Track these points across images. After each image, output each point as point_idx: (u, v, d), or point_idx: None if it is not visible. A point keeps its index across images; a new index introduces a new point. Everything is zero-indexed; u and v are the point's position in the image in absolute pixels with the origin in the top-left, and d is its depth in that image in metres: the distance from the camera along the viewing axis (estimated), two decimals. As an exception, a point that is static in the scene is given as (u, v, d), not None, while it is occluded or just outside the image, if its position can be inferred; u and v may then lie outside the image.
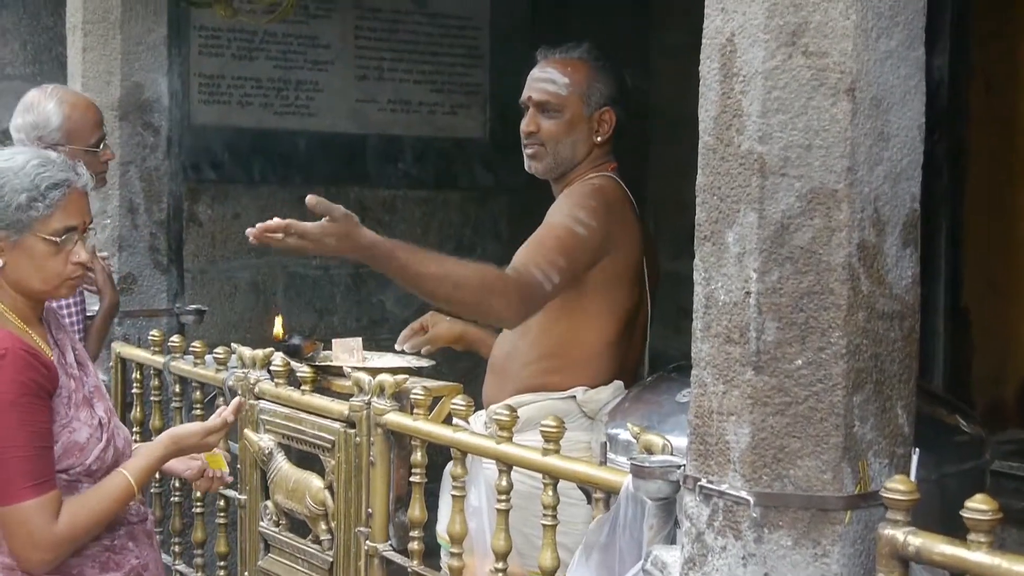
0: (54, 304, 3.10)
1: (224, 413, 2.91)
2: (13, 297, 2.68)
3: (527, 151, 3.41)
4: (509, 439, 2.77)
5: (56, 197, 2.64)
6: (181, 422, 4.16)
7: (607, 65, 3.40)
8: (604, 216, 3.20)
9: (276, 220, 2.90)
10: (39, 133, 3.84)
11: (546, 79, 3.37)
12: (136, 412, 4.38)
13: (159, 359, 4.20)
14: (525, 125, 3.40)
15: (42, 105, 3.90)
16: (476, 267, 3.09)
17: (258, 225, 2.90)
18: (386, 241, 3.02)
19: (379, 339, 4.72)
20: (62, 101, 3.92)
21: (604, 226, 3.19)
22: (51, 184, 2.64)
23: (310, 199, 2.89)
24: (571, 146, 3.36)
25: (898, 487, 1.96)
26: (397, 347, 3.62)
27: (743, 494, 2.12)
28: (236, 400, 3.06)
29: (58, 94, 3.96)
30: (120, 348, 4.49)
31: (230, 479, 3.15)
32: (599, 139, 3.37)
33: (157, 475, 4.23)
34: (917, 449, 2.17)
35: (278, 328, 3.68)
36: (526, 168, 3.44)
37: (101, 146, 3.98)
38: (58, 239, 2.65)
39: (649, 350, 3.51)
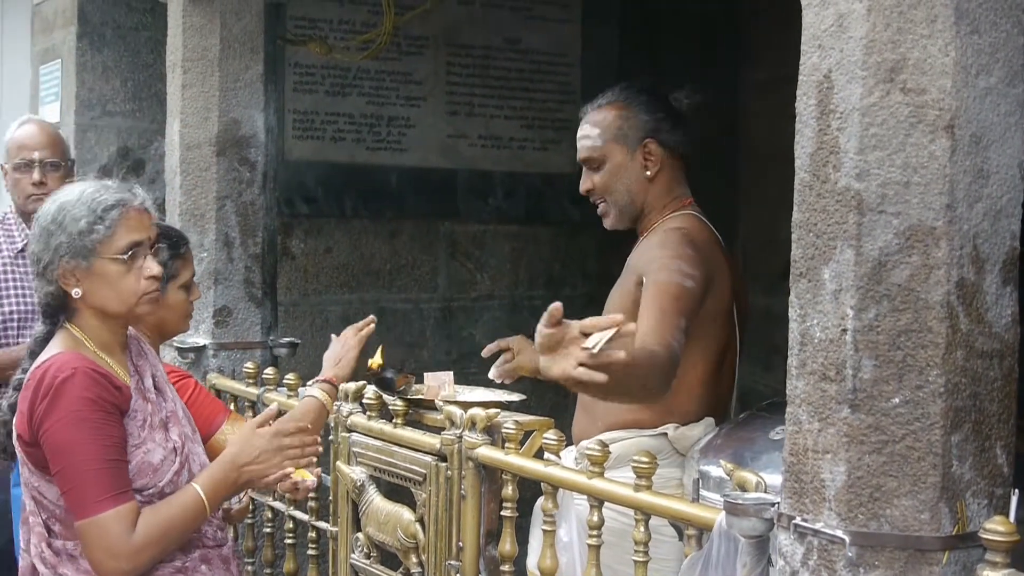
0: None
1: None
2: (92, 326, 2.74)
3: (598, 211, 3.43)
4: (601, 474, 2.77)
5: (115, 217, 2.70)
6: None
7: (643, 99, 3.35)
8: (702, 262, 3.16)
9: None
10: None
11: (583, 136, 3.38)
12: (230, 443, 4.43)
13: (253, 391, 4.26)
14: (582, 185, 3.41)
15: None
16: (649, 360, 2.95)
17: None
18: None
19: (469, 373, 4.75)
20: (20, 123, 4.44)
21: (704, 271, 3.15)
22: (107, 206, 2.70)
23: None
24: (626, 192, 3.34)
25: (997, 528, 1.93)
26: (491, 375, 3.65)
27: (839, 533, 2.10)
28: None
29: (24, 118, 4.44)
30: (215, 380, 4.56)
31: (313, 483, 3.14)
32: (649, 174, 3.32)
33: (251, 504, 4.30)
34: (1016, 490, 2.14)
35: (378, 358, 3.70)
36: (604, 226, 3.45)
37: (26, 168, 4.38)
38: (124, 256, 2.71)
39: (739, 387, 3.48)
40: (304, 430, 2.86)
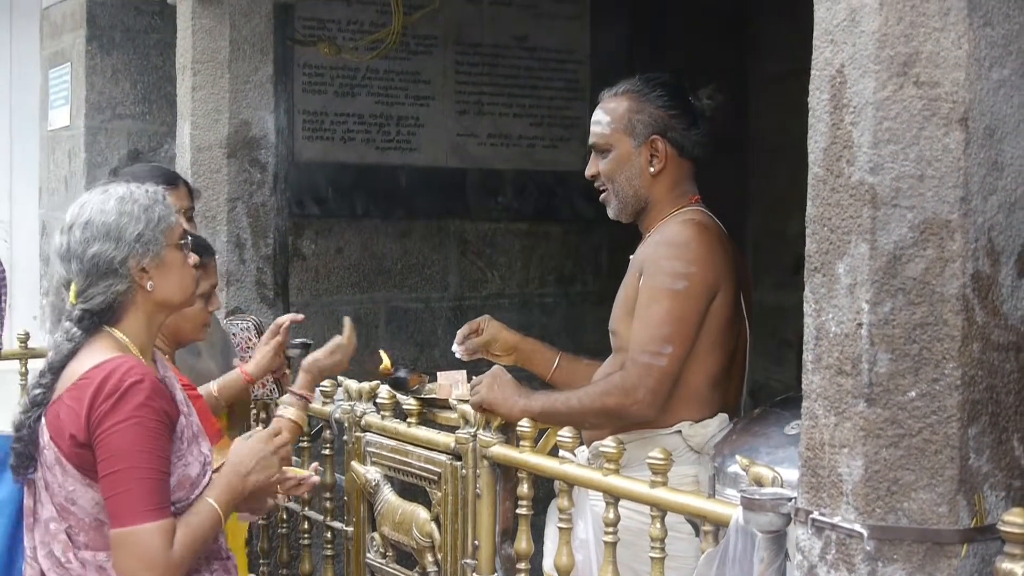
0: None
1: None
2: (139, 328, 2.72)
3: (600, 197, 3.41)
4: (616, 471, 2.77)
5: (170, 204, 2.77)
6: (288, 454, 4.21)
7: (657, 93, 3.31)
8: (705, 258, 3.14)
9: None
10: None
11: (595, 121, 3.35)
12: (244, 444, 4.43)
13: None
14: (587, 169, 3.39)
15: None
16: (601, 390, 3.15)
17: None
18: (528, 407, 3.18)
19: (481, 371, 4.74)
20: None
21: (707, 268, 3.13)
22: (160, 195, 2.75)
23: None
24: (627, 183, 3.31)
25: (1016, 520, 1.93)
26: (454, 348, 3.67)
27: (857, 527, 2.10)
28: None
29: None
30: (228, 381, 4.56)
31: (316, 480, 3.18)
32: (653, 170, 3.28)
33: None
34: (1034, 482, 2.14)
35: (386, 362, 3.71)
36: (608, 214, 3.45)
37: None
38: (183, 242, 2.76)
39: (752, 382, 3.48)
40: (288, 428, 3.03)
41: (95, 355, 2.63)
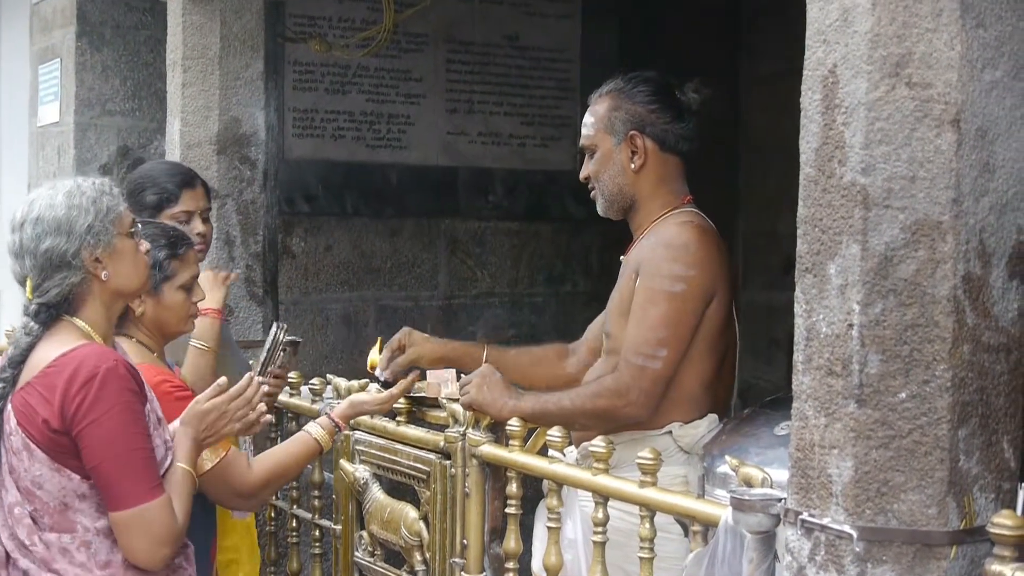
0: None
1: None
2: (98, 317, 2.77)
3: (591, 195, 3.42)
4: (605, 471, 2.77)
5: (116, 193, 2.81)
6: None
7: (638, 89, 3.30)
8: (704, 262, 3.14)
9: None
10: None
11: (583, 123, 3.38)
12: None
13: (255, 390, 4.24)
14: (581, 172, 3.40)
15: None
16: (593, 392, 3.15)
17: None
18: (517, 408, 3.19)
19: (471, 370, 4.73)
20: None
21: (705, 272, 3.13)
22: (108, 185, 2.81)
23: None
24: (611, 180, 3.31)
25: (1005, 522, 1.93)
26: (378, 374, 3.62)
27: (846, 528, 2.10)
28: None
29: None
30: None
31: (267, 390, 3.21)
32: (634, 166, 3.28)
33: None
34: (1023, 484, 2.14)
35: (373, 356, 3.69)
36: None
37: None
38: (134, 229, 2.82)
39: (741, 382, 3.48)
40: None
41: (60, 343, 2.69)
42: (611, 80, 3.38)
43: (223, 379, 2.94)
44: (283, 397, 4.07)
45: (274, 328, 3.83)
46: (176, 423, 2.88)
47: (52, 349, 2.67)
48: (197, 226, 3.83)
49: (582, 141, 3.37)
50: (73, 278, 2.72)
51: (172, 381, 3.17)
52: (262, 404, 3.01)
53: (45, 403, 2.63)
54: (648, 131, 3.28)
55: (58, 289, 2.72)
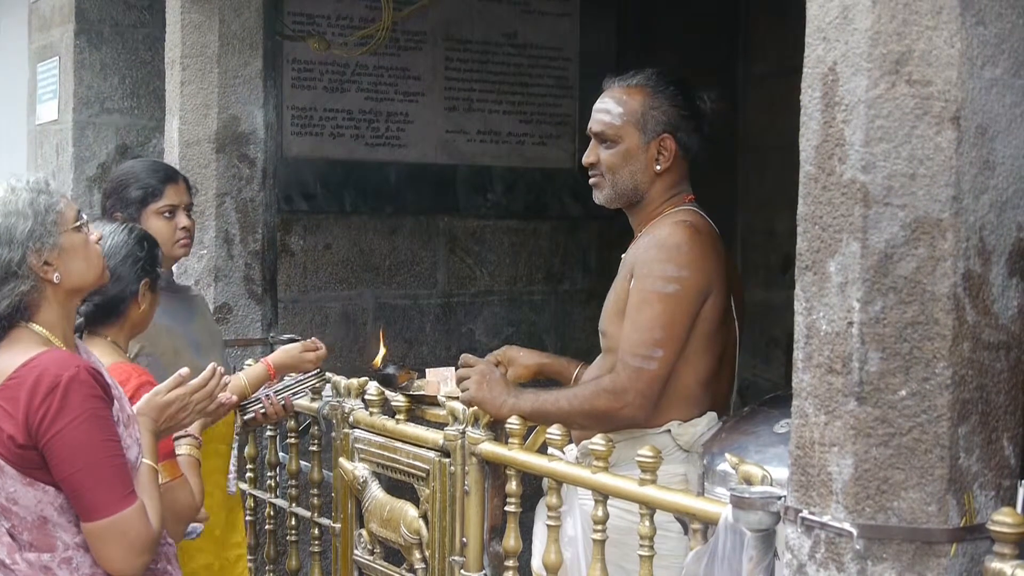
0: None
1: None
2: (56, 320, 2.70)
3: (590, 181, 3.37)
4: (605, 469, 2.77)
5: (53, 190, 2.71)
6: (275, 451, 4.21)
7: (671, 91, 3.28)
8: (697, 262, 3.13)
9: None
10: None
11: (603, 109, 3.30)
12: (230, 440, 4.43)
13: (254, 388, 4.24)
14: (585, 157, 3.33)
15: None
16: (591, 392, 3.14)
17: None
18: (516, 407, 3.19)
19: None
20: None
21: (698, 272, 3.12)
22: (42, 183, 2.70)
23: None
24: (630, 176, 3.27)
25: (1005, 520, 1.93)
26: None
27: (846, 526, 2.10)
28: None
29: None
30: (215, 377, 4.54)
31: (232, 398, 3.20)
32: (659, 168, 3.25)
33: (250, 503, 4.30)
34: (1023, 481, 2.14)
35: (381, 353, 3.70)
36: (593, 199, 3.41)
37: None
38: (79, 223, 2.72)
39: (740, 380, 3.48)
40: (183, 383, 2.89)
41: (18, 353, 2.62)
42: (638, 72, 3.33)
43: (185, 370, 2.86)
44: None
45: (317, 373, 3.90)
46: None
47: (10, 359, 2.60)
48: (182, 220, 3.85)
49: (602, 127, 3.28)
50: (23, 287, 2.63)
51: (151, 381, 3.10)
52: (224, 393, 2.96)
53: (9, 418, 2.56)
54: (677, 135, 3.26)
55: (8, 300, 2.63)
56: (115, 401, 2.68)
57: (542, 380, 3.62)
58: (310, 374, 3.85)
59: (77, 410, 2.54)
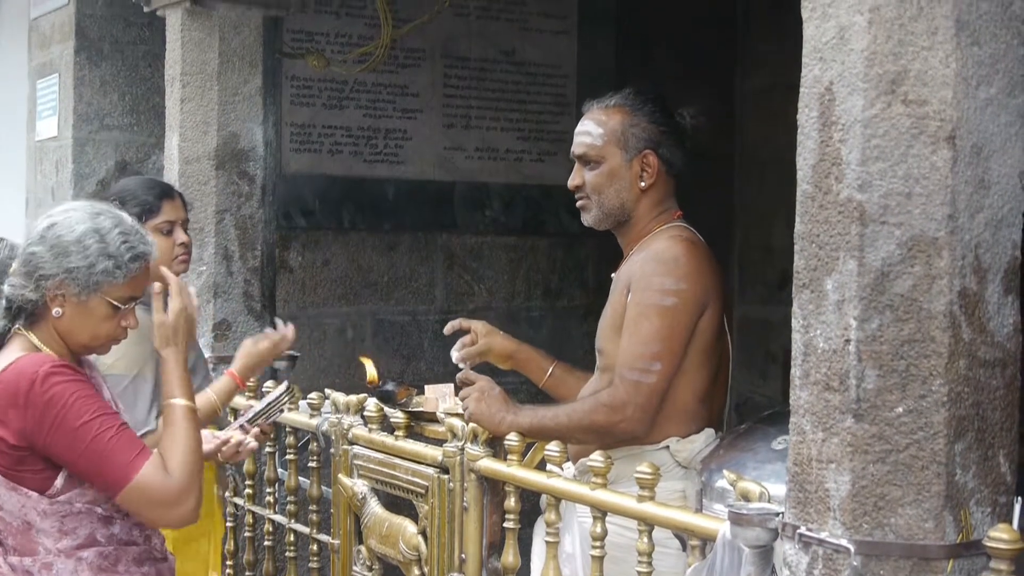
0: None
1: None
2: (53, 339, 2.73)
3: (577, 204, 3.38)
4: (604, 485, 2.78)
5: (135, 269, 2.72)
6: (274, 467, 4.22)
7: (649, 108, 3.30)
8: (695, 275, 3.15)
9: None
10: None
11: (584, 131, 3.33)
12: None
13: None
14: (571, 180, 3.36)
15: None
16: (590, 407, 3.16)
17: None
18: (515, 423, 3.21)
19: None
20: None
21: (696, 285, 3.14)
22: (134, 255, 2.71)
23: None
24: (616, 195, 3.29)
25: (1002, 536, 1.95)
26: (452, 354, 3.64)
27: (843, 542, 2.11)
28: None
29: None
30: (215, 393, 4.55)
31: (254, 446, 3.19)
32: (644, 184, 3.28)
33: (249, 519, 4.30)
34: (1020, 498, 2.15)
35: (372, 373, 3.71)
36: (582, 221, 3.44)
37: None
38: (122, 307, 2.72)
39: (737, 396, 3.50)
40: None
41: (6, 356, 2.67)
42: (615, 93, 3.36)
43: (171, 277, 2.92)
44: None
45: (283, 386, 3.78)
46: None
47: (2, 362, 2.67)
48: (180, 236, 3.85)
49: (582, 150, 3.32)
50: (30, 295, 2.69)
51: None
52: (253, 442, 2.97)
53: None
54: (660, 151, 3.29)
55: (11, 290, 2.70)
56: (104, 389, 2.74)
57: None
58: (278, 391, 3.77)
59: (62, 400, 2.58)
